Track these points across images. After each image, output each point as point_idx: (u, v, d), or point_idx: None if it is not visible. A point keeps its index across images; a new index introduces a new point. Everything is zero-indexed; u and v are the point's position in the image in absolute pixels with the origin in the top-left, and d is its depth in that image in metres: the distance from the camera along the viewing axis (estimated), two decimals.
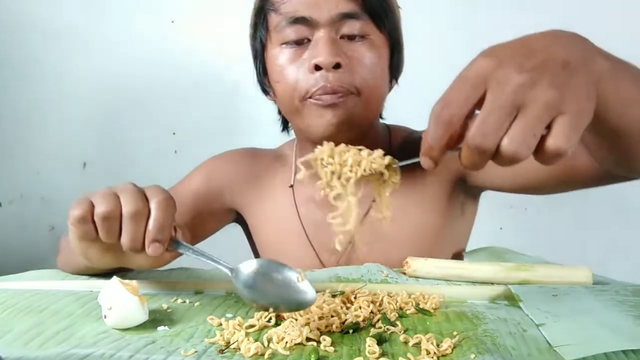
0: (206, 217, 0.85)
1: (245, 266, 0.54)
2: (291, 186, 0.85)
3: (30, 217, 1.70)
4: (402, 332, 0.52)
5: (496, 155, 0.39)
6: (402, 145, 0.83)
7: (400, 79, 0.82)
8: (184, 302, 0.61)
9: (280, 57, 0.72)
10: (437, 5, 1.45)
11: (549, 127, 0.39)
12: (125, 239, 0.53)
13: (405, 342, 0.50)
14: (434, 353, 0.47)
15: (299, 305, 0.52)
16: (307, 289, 0.52)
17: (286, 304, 0.52)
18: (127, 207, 0.53)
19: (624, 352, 0.46)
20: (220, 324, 0.53)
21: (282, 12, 0.71)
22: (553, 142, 0.38)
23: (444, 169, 0.78)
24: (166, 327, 0.53)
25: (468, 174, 0.77)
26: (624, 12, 1.43)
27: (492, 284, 0.65)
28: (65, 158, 1.66)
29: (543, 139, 0.39)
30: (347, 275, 0.69)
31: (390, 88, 0.79)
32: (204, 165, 0.89)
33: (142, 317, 0.53)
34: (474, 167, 0.41)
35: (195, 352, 0.47)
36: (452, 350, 0.48)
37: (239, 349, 0.48)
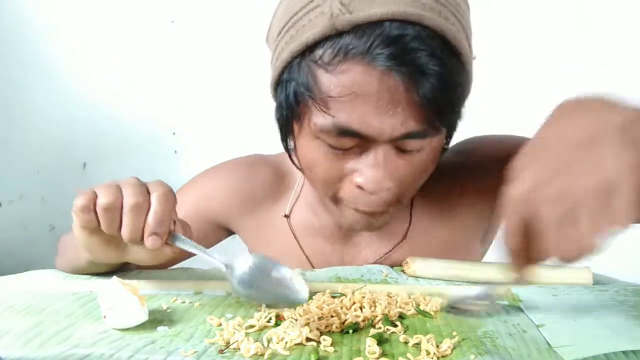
0: (202, 236, 0.77)
1: (239, 262, 0.54)
2: (286, 216, 0.77)
3: (30, 217, 1.70)
4: (402, 332, 0.52)
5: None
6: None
7: None
8: (184, 302, 0.61)
9: (315, 151, 0.59)
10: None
11: None
12: (124, 231, 0.53)
13: (405, 343, 0.50)
14: (434, 353, 0.47)
15: (291, 303, 0.52)
16: (300, 288, 0.52)
17: (279, 300, 0.52)
18: (128, 199, 0.52)
19: (624, 352, 0.46)
20: (220, 324, 0.53)
21: (330, 113, 0.55)
22: (615, 225, 0.37)
23: (481, 204, 0.72)
24: (166, 327, 0.53)
25: None
26: (626, 10, 1.43)
27: (492, 284, 0.65)
28: (65, 158, 1.66)
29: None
30: (347, 275, 0.69)
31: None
32: (198, 186, 0.80)
33: (142, 317, 0.53)
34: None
35: (195, 352, 0.47)
36: (452, 350, 0.48)
37: (239, 349, 0.48)
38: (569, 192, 0.38)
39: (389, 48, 0.51)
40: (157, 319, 0.55)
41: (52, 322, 0.54)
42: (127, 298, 0.52)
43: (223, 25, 1.58)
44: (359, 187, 0.58)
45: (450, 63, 0.54)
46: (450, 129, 0.62)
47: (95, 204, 0.53)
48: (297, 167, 0.66)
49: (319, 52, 0.55)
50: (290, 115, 0.61)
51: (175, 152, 1.64)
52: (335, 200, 0.62)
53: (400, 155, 0.58)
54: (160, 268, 0.73)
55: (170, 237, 0.55)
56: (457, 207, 0.73)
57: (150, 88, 1.63)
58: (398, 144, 0.57)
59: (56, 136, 1.67)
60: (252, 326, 0.53)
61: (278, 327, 0.51)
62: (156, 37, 1.62)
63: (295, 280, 0.52)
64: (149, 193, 0.54)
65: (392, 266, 0.72)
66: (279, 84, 0.61)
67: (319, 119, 0.56)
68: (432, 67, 0.52)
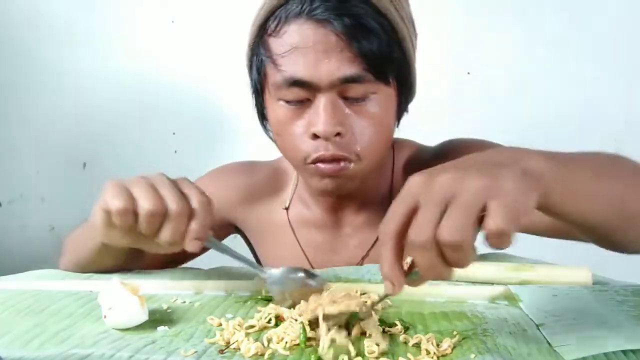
0: None
1: (275, 272, 0.61)
2: (286, 208, 0.83)
3: (30, 217, 1.70)
4: (402, 332, 0.52)
5: (442, 250, 0.39)
6: (406, 168, 0.80)
7: None
8: (184, 302, 0.61)
9: (278, 112, 0.68)
10: (437, 7, 1.45)
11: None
12: (166, 235, 0.54)
13: (405, 342, 0.50)
14: (434, 353, 0.47)
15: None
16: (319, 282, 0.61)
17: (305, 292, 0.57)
18: (173, 205, 0.53)
19: (623, 352, 0.46)
20: (220, 324, 0.53)
21: (280, 69, 0.65)
22: (492, 222, 0.38)
23: None
24: (166, 327, 0.53)
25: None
26: (620, 13, 1.43)
27: (492, 284, 0.65)
28: (65, 158, 1.66)
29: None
30: (347, 275, 0.69)
31: (398, 124, 0.75)
32: (203, 186, 0.83)
33: (142, 317, 0.53)
34: (436, 274, 0.41)
35: (195, 352, 0.47)
36: (452, 350, 0.48)
37: (239, 349, 0.48)
38: (456, 183, 0.39)
39: (325, 3, 0.62)
40: (157, 319, 0.55)
41: (52, 322, 0.54)
42: (127, 298, 0.52)
43: (223, 25, 1.58)
44: (315, 135, 0.65)
45: (379, 20, 0.63)
46: (400, 85, 0.68)
47: (133, 206, 0.53)
48: (273, 140, 0.73)
49: (269, 25, 0.66)
50: (259, 88, 0.70)
51: (175, 152, 1.64)
52: (304, 163, 0.67)
53: (348, 105, 0.65)
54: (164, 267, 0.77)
55: (207, 243, 0.58)
56: None
57: (150, 88, 1.63)
58: (341, 90, 0.64)
59: (56, 136, 1.67)
60: (252, 326, 0.53)
61: (278, 327, 0.52)
62: (156, 37, 1.62)
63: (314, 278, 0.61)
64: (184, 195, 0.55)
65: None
66: (250, 66, 0.71)
67: (273, 78, 0.66)
68: (364, 19, 0.62)
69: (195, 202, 0.55)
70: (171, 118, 1.65)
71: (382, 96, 0.66)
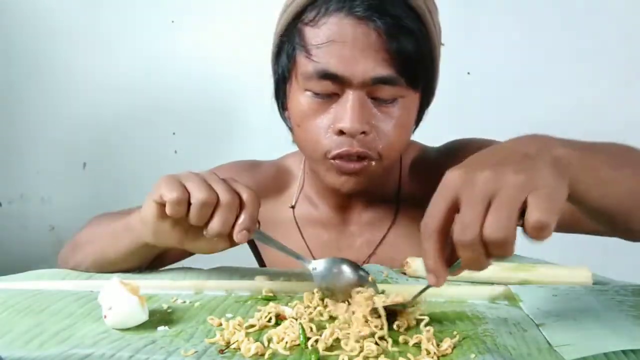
0: None
1: (320, 263, 0.61)
2: (292, 207, 0.83)
3: (30, 217, 1.70)
4: (402, 332, 0.52)
5: (487, 246, 0.41)
6: (413, 168, 0.82)
7: None
8: (184, 302, 0.61)
9: (303, 102, 0.67)
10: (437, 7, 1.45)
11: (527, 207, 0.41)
12: (216, 225, 0.56)
13: (405, 342, 0.50)
14: (434, 353, 0.47)
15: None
16: (364, 275, 0.60)
17: (349, 284, 0.58)
18: (224, 196, 0.56)
19: (623, 352, 0.46)
20: (220, 324, 0.53)
21: (313, 59, 0.64)
22: (532, 215, 0.40)
23: None
24: (166, 327, 0.53)
25: None
26: (620, 13, 1.43)
27: (492, 284, 0.65)
28: (65, 158, 1.66)
29: (525, 217, 0.41)
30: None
31: (416, 128, 0.76)
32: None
33: (142, 317, 0.53)
34: (477, 267, 0.43)
35: (195, 352, 0.47)
36: (452, 350, 0.48)
37: (239, 349, 0.48)
38: (497, 179, 0.41)
39: (366, 1, 0.62)
40: (157, 319, 0.55)
41: (53, 322, 0.54)
42: (127, 298, 0.52)
43: (223, 25, 1.58)
44: (340, 131, 0.65)
45: (418, 24, 0.64)
46: (424, 91, 0.70)
47: (188, 198, 0.55)
48: (290, 129, 0.74)
49: (306, 14, 0.65)
50: (285, 75, 0.70)
51: (175, 152, 1.64)
52: (324, 158, 0.68)
53: (375, 105, 0.66)
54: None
55: (254, 233, 0.59)
56: None
57: (150, 88, 1.63)
58: (371, 91, 0.65)
59: (56, 136, 1.67)
60: (252, 326, 0.53)
61: (278, 327, 0.52)
62: (156, 37, 1.62)
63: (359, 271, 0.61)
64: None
65: (391, 267, 0.73)
66: (278, 53, 0.71)
67: (304, 67, 0.66)
68: (405, 21, 0.63)
69: (245, 196, 0.57)
70: (171, 118, 1.65)
71: (408, 100, 0.67)
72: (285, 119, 0.75)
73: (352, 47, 0.63)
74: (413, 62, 0.64)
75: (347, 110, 0.64)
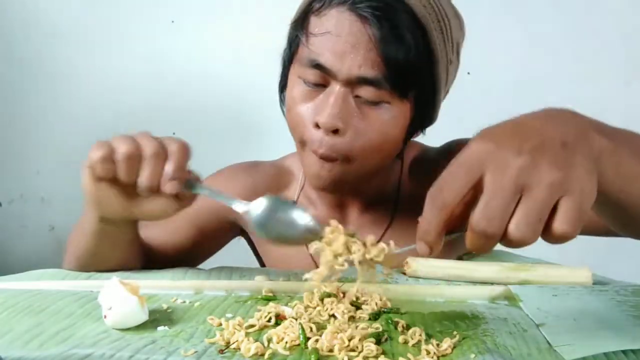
0: (210, 233, 0.84)
1: (255, 206, 0.56)
2: (294, 202, 0.84)
3: (30, 217, 1.70)
4: (402, 331, 0.52)
5: (503, 238, 0.39)
6: (412, 167, 0.82)
7: None
8: (184, 302, 0.61)
9: (295, 89, 0.69)
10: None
11: (554, 208, 0.38)
12: (144, 177, 0.56)
13: (405, 342, 0.50)
14: (434, 353, 0.47)
15: (305, 236, 0.53)
16: (313, 222, 0.54)
17: (294, 237, 0.53)
18: (148, 147, 0.56)
19: (624, 352, 0.46)
20: (220, 324, 0.53)
21: (309, 47, 0.66)
22: (560, 226, 0.37)
23: None
24: (166, 327, 0.53)
25: None
26: (620, 13, 1.43)
27: (492, 284, 0.65)
28: (65, 158, 1.66)
29: (549, 219, 0.38)
30: (347, 275, 0.69)
31: (409, 139, 0.74)
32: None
33: (142, 317, 0.53)
34: (481, 251, 0.41)
35: (195, 352, 0.47)
36: (452, 350, 0.48)
37: (239, 349, 0.48)
38: (532, 171, 0.38)
39: (370, 1, 0.63)
40: (157, 319, 0.55)
41: (53, 322, 0.54)
42: (127, 298, 0.52)
43: (223, 26, 1.57)
44: (317, 125, 0.65)
45: (417, 37, 0.64)
46: (419, 104, 0.68)
47: (112, 155, 0.56)
48: (284, 113, 0.74)
49: (315, 3, 0.67)
50: (288, 61, 0.72)
51: None
52: (303, 145, 0.69)
53: (359, 104, 0.66)
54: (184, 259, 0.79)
55: (186, 185, 0.58)
56: None
57: (150, 88, 1.63)
58: (355, 89, 0.65)
59: (56, 136, 1.67)
60: (252, 326, 0.53)
61: (278, 327, 0.52)
62: (156, 37, 1.62)
63: (307, 220, 0.54)
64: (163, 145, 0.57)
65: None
66: (289, 41, 0.72)
67: (301, 54, 0.68)
68: (402, 30, 0.63)
69: (171, 146, 0.57)
70: (171, 118, 1.65)
71: (394, 109, 0.66)
72: (281, 104, 0.77)
73: (345, 42, 0.63)
74: (402, 70, 0.64)
75: (327, 104, 0.65)
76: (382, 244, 0.50)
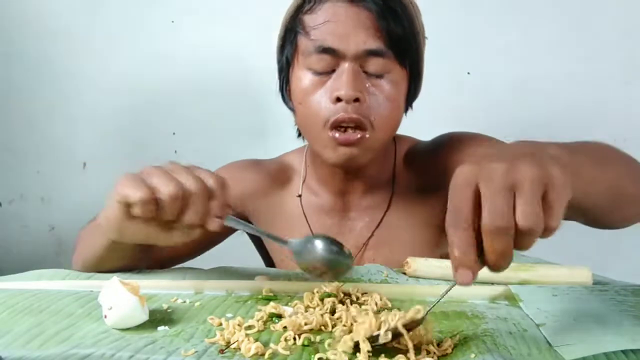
0: None
1: (297, 241, 0.60)
2: (299, 196, 0.88)
3: (30, 217, 1.70)
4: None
5: (516, 235, 0.41)
6: (406, 158, 0.87)
7: None
8: (184, 302, 0.61)
9: (304, 80, 0.74)
10: (437, 7, 1.45)
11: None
12: (190, 217, 0.55)
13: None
14: (434, 353, 0.47)
15: (338, 270, 0.60)
16: (345, 257, 0.60)
17: (329, 267, 0.59)
18: (193, 186, 0.55)
19: (624, 352, 0.46)
20: (221, 324, 0.53)
21: (311, 38, 0.72)
22: (551, 219, 0.41)
23: (445, 189, 0.78)
24: (166, 327, 0.53)
25: None
26: (620, 13, 1.43)
27: (492, 284, 0.65)
28: (65, 158, 1.66)
29: None
30: (348, 275, 0.69)
31: (405, 112, 0.81)
32: None
33: (142, 317, 0.53)
34: (503, 259, 0.42)
35: (196, 352, 0.47)
36: (452, 349, 0.48)
37: (239, 349, 0.48)
38: (514, 171, 0.41)
39: None
40: (157, 319, 0.55)
41: (53, 322, 0.54)
42: (127, 298, 0.52)
43: (223, 26, 1.57)
44: (337, 98, 0.71)
45: (403, 9, 0.73)
46: (412, 72, 0.76)
47: (154, 195, 0.54)
48: (292, 110, 0.80)
49: (305, 5, 0.75)
50: (289, 61, 0.78)
51: (175, 152, 1.64)
52: (323, 128, 0.73)
53: (367, 77, 0.73)
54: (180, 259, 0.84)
55: (226, 220, 0.58)
56: (432, 186, 0.82)
57: (150, 88, 1.63)
58: (363, 63, 0.72)
59: (56, 136, 1.67)
60: (252, 326, 0.53)
61: (277, 324, 0.52)
62: (156, 37, 1.62)
63: (343, 250, 0.60)
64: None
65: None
66: (282, 45, 0.79)
67: (304, 47, 0.74)
68: (391, 4, 0.71)
69: (211, 182, 0.57)
70: (171, 118, 1.65)
71: (396, 76, 0.74)
72: (287, 103, 0.82)
73: (345, 25, 0.71)
74: (400, 38, 0.72)
75: (342, 80, 0.71)
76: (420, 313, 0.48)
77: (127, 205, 0.55)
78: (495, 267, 0.43)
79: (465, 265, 0.43)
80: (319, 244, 0.60)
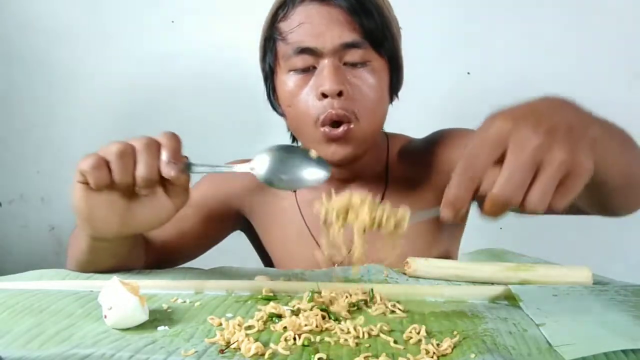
0: (215, 224, 0.88)
1: (259, 162, 0.59)
2: (294, 190, 0.89)
3: (30, 217, 1.70)
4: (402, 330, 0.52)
5: (519, 205, 0.44)
6: (399, 156, 0.89)
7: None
8: (184, 302, 0.61)
9: (289, 83, 0.77)
10: (437, 7, 1.45)
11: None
12: (141, 169, 0.57)
13: (405, 342, 0.50)
14: (434, 353, 0.47)
15: (316, 176, 0.60)
16: (320, 163, 0.60)
17: (304, 178, 0.59)
18: (139, 142, 0.57)
19: (624, 352, 0.46)
20: (221, 324, 0.53)
21: (289, 42, 0.75)
22: (559, 202, 0.44)
23: (437, 183, 0.83)
24: (166, 327, 0.53)
25: None
26: (620, 13, 1.43)
27: (492, 284, 0.65)
28: (65, 158, 1.66)
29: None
30: (347, 275, 0.69)
31: (391, 102, 0.83)
32: (213, 178, 0.92)
33: (142, 317, 0.53)
34: (495, 217, 0.46)
35: (196, 352, 0.47)
36: (452, 349, 0.48)
37: (239, 349, 0.48)
38: (547, 149, 0.43)
39: None
40: (157, 319, 0.55)
41: (53, 322, 0.54)
42: (127, 298, 0.52)
43: (223, 26, 1.57)
44: (323, 94, 0.73)
45: (374, 3, 0.75)
46: (391, 63, 0.79)
47: (104, 162, 0.56)
48: (282, 115, 0.83)
49: (279, 14, 0.78)
50: (271, 66, 0.80)
51: None
52: (315, 126, 0.75)
53: (348, 70, 0.75)
54: (183, 259, 0.86)
55: (184, 168, 0.58)
56: (425, 179, 0.86)
57: (150, 88, 1.63)
58: (342, 56, 0.74)
59: (56, 136, 1.67)
60: (252, 326, 0.53)
61: (277, 324, 0.52)
62: (156, 37, 1.62)
63: (315, 157, 0.60)
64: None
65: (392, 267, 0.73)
66: (264, 55, 0.82)
67: (284, 51, 0.76)
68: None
69: (162, 137, 0.59)
70: (171, 118, 1.65)
71: (376, 65, 0.76)
72: (277, 109, 0.84)
73: (319, 24, 0.73)
74: (373, 29, 0.74)
75: (324, 75, 0.73)
76: (406, 209, 0.54)
77: (85, 181, 0.58)
78: (484, 218, 0.46)
79: (455, 206, 0.46)
80: (288, 162, 0.59)
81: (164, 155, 0.58)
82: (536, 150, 0.43)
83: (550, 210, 0.44)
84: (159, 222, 0.63)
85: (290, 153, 0.61)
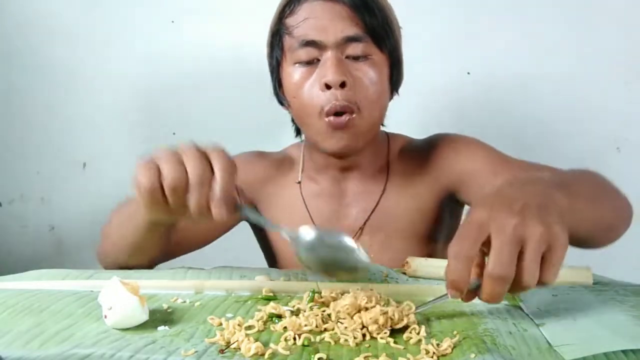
0: None
1: (303, 232, 0.58)
2: (299, 182, 0.92)
3: (30, 217, 1.70)
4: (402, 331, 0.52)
5: (513, 283, 0.48)
6: (400, 154, 0.91)
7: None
8: (184, 302, 0.61)
9: (294, 74, 0.80)
10: (434, 8, 1.45)
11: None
12: (191, 205, 0.56)
13: (405, 342, 0.50)
14: (434, 353, 0.47)
15: (352, 268, 0.58)
16: (362, 255, 0.58)
17: (343, 268, 0.58)
18: (193, 174, 0.55)
19: (624, 352, 0.46)
20: (221, 324, 0.54)
21: (294, 36, 0.79)
22: (548, 275, 0.48)
23: (436, 183, 0.87)
24: (166, 327, 0.53)
25: (458, 190, 0.86)
26: (620, 13, 1.43)
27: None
28: (65, 158, 1.66)
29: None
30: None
31: (391, 98, 0.86)
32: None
33: (142, 317, 0.53)
34: (496, 299, 0.49)
35: (196, 352, 0.47)
36: (452, 349, 0.48)
37: (239, 349, 0.48)
38: (524, 228, 0.47)
39: None
40: (157, 319, 0.55)
41: (53, 322, 0.54)
42: (127, 298, 0.52)
43: (223, 26, 1.57)
44: (327, 85, 0.77)
45: (376, 1, 0.79)
46: (391, 58, 0.82)
47: (159, 181, 0.56)
48: (287, 107, 0.85)
49: (285, 11, 0.82)
50: (278, 59, 0.84)
51: None
52: (319, 116, 0.78)
53: (350, 63, 0.78)
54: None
55: (235, 207, 0.57)
56: (421, 176, 0.89)
57: (150, 88, 1.63)
58: (344, 50, 0.78)
59: (56, 136, 1.67)
60: (252, 326, 0.53)
61: (278, 327, 0.52)
62: (156, 37, 1.62)
63: (358, 248, 0.58)
64: (209, 162, 0.57)
65: (391, 268, 0.73)
66: (271, 50, 0.85)
67: (289, 44, 0.80)
68: None
69: (217, 168, 0.56)
70: (171, 118, 1.65)
71: (377, 59, 0.80)
72: (282, 102, 0.86)
73: (323, 18, 0.78)
74: (375, 25, 0.78)
75: (327, 66, 0.77)
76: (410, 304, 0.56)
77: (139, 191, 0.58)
78: (486, 302, 0.50)
79: (457, 288, 0.50)
80: (330, 240, 0.57)
81: (216, 196, 0.56)
82: (516, 229, 0.47)
83: (542, 283, 0.48)
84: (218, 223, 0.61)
85: (336, 238, 0.59)
